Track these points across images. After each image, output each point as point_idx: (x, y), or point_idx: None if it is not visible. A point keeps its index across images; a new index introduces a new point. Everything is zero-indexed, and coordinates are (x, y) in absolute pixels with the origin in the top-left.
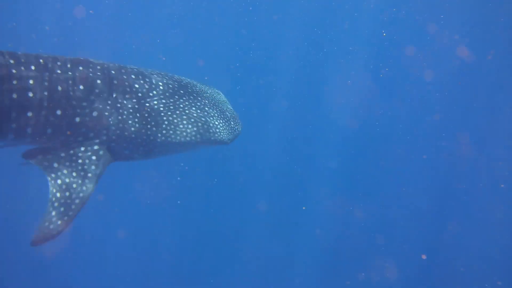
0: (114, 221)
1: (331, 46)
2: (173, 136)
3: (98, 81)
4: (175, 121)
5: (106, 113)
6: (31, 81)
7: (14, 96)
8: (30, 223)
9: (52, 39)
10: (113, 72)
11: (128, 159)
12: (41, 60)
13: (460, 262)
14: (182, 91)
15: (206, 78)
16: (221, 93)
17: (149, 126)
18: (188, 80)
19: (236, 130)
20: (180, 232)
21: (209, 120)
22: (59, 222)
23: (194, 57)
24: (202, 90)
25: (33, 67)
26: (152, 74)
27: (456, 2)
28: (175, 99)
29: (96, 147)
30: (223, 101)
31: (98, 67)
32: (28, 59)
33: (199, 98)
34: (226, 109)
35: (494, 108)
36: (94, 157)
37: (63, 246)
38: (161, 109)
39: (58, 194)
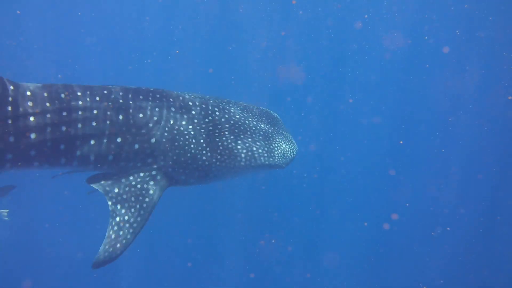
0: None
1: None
2: (227, 161)
3: (157, 109)
4: (230, 146)
5: (164, 140)
6: (95, 111)
7: (79, 126)
8: None
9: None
10: (171, 100)
11: (184, 184)
12: (105, 91)
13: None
14: (237, 116)
15: (263, 102)
16: (276, 115)
17: (204, 152)
18: (244, 104)
19: (291, 153)
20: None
21: (263, 144)
22: (118, 245)
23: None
24: (257, 113)
25: (98, 98)
26: (209, 100)
27: None
28: (231, 124)
29: (154, 172)
30: (278, 123)
31: (157, 95)
32: (93, 90)
33: (254, 123)
34: (281, 132)
35: None
36: (152, 182)
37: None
38: (216, 134)
39: (117, 219)
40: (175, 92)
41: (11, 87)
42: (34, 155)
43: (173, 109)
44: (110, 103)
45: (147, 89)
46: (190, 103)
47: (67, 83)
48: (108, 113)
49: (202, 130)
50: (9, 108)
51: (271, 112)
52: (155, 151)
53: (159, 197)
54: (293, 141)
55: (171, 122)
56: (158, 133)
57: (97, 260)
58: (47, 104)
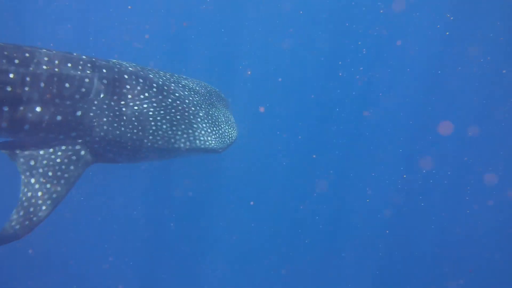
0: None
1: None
2: (160, 142)
3: (86, 80)
4: (164, 127)
5: (91, 114)
6: (11, 75)
7: None
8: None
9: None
10: (104, 70)
11: (111, 162)
12: (26, 54)
13: None
14: (176, 94)
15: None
16: (220, 93)
17: (135, 131)
18: (188, 79)
19: (230, 138)
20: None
21: (200, 127)
22: (27, 222)
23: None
24: (198, 90)
25: (17, 61)
26: (149, 73)
27: None
28: (168, 103)
29: (77, 147)
30: (222, 104)
31: (89, 65)
32: (15, 51)
33: (194, 102)
34: (223, 114)
35: None
36: (74, 157)
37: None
38: (150, 113)
39: (29, 194)
40: (111, 62)
41: None
42: None
43: (105, 82)
44: (31, 68)
45: (78, 56)
46: (126, 76)
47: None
48: (27, 78)
49: (135, 108)
50: None
51: (217, 90)
52: (80, 125)
53: (80, 174)
54: (234, 125)
55: (101, 95)
56: (85, 106)
57: (1, 235)
58: None
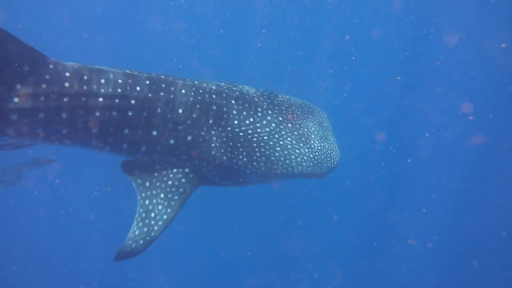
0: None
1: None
2: (263, 168)
3: (197, 106)
4: (267, 152)
5: (200, 139)
6: (132, 101)
7: (114, 113)
8: None
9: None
10: (213, 96)
11: (217, 185)
12: (147, 82)
13: None
14: (280, 118)
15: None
16: (324, 114)
17: (241, 156)
18: (290, 100)
19: (332, 163)
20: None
21: (303, 152)
22: (141, 241)
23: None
24: (301, 112)
25: (138, 88)
26: (253, 96)
27: None
28: (271, 128)
29: (187, 170)
30: (323, 125)
31: (200, 91)
32: (135, 79)
33: (297, 126)
34: (325, 137)
35: None
36: (184, 180)
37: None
38: (255, 139)
39: (144, 214)
40: (219, 86)
41: (51, 66)
42: (65, 133)
43: (214, 107)
44: (150, 95)
45: (191, 83)
46: (233, 102)
47: (111, 67)
48: (146, 104)
49: (241, 133)
50: (44, 86)
51: (318, 109)
52: (191, 149)
53: (188, 196)
54: (337, 148)
55: (210, 121)
56: (196, 131)
57: (119, 253)
58: (84, 88)
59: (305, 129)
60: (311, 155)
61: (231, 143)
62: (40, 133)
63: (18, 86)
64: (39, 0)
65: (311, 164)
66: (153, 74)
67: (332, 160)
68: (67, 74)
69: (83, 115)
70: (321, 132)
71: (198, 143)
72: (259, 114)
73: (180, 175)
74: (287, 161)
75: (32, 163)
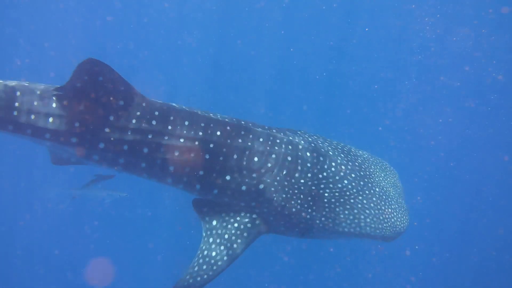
0: None
1: None
2: (331, 225)
3: (273, 156)
4: (337, 209)
5: (272, 189)
6: (211, 145)
7: (192, 155)
8: None
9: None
10: (290, 147)
11: (282, 234)
12: (228, 128)
13: None
14: (353, 175)
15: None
16: (396, 174)
17: (309, 210)
18: (364, 156)
19: (401, 228)
20: None
21: (372, 213)
22: (198, 278)
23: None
24: (376, 172)
25: (218, 133)
26: (328, 150)
27: None
28: (343, 184)
29: (254, 216)
30: (395, 186)
31: (277, 141)
32: (216, 124)
33: (369, 185)
34: (396, 199)
35: None
36: (249, 225)
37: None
38: (326, 194)
39: (205, 252)
40: (295, 138)
41: (144, 104)
42: (144, 167)
43: (289, 159)
44: (228, 140)
45: (268, 131)
46: (308, 154)
47: (198, 112)
48: (224, 150)
49: (313, 187)
50: (133, 121)
51: (390, 168)
52: (261, 197)
53: (251, 242)
54: (406, 212)
55: (284, 172)
56: (268, 180)
57: (176, 285)
58: (169, 128)
59: (377, 189)
60: (381, 217)
61: (302, 196)
62: (121, 163)
63: (111, 118)
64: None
65: (379, 226)
66: (234, 120)
67: (401, 225)
68: (156, 113)
69: (163, 152)
70: (392, 193)
71: (269, 192)
72: (333, 169)
73: (246, 220)
74: (356, 221)
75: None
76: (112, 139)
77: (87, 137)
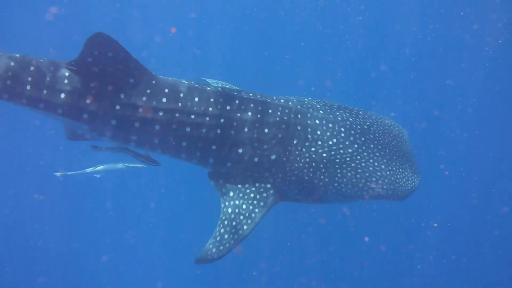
0: None
1: None
2: (344, 189)
3: (283, 126)
4: (349, 174)
5: (284, 158)
6: (222, 120)
7: (204, 130)
8: None
9: None
10: (299, 116)
11: (296, 202)
12: (237, 101)
13: None
14: (363, 138)
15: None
16: (405, 132)
17: (322, 177)
18: (372, 117)
19: (413, 186)
20: None
21: (385, 174)
22: (221, 248)
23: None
24: (385, 133)
25: (228, 107)
26: (337, 116)
27: None
28: (354, 149)
29: (268, 186)
30: (404, 145)
31: (286, 111)
32: (226, 98)
33: (379, 147)
34: (407, 157)
35: None
36: (265, 194)
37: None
38: (337, 160)
39: (225, 222)
40: (304, 106)
41: (153, 82)
42: (157, 143)
43: (298, 128)
44: (238, 114)
45: (277, 102)
46: (317, 122)
47: (207, 87)
48: (234, 123)
49: (324, 154)
50: (144, 99)
51: (399, 127)
52: (273, 168)
53: (268, 210)
54: (417, 170)
55: (295, 141)
56: (280, 150)
57: (200, 256)
58: (179, 104)
59: (387, 150)
60: (392, 178)
61: (313, 164)
62: (133, 139)
63: (122, 96)
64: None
65: (391, 187)
66: (243, 93)
67: (413, 184)
68: (166, 90)
69: (175, 129)
70: (403, 153)
71: (281, 162)
72: (342, 135)
73: (262, 190)
74: (368, 183)
75: (139, 155)
76: (123, 116)
77: (99, 114)
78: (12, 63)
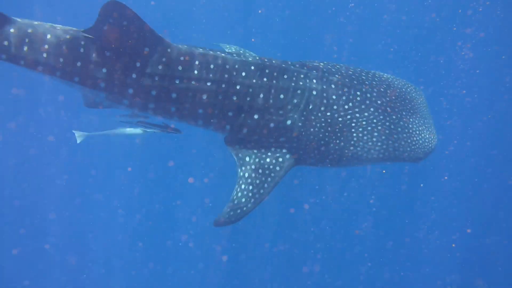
0: None
1: None
2: (360, 153)
3: (298, 91)
4: (365, 137)
5: (300, 124)
6: (238, 87)
7: (220, 97)
8: None
9: None
10: (314, 81)
11: (312, 166)
12: (252, 67)
13: None
14: (379, 101)
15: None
16: (421, 93)
17: (338, 141)
18: (388, 80)
19: (430, 148)
20: None
21: (401, 137)
22: (239, 211)
23: None
24: (401, 95)
25: (243, 74)
26: (353, 79)
27: None
28: (370, 112)
29: (284, 151)
30: (420, 106)
31: (302, 76)
32: (242, 65)
33: (396, 110)
34: (422, 120)
35: None
36: (281, 159)
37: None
38: (353, 124)
39: (243, 186)
40: (320, 71)
41: (169, 50)
42: (173, 111)
43: (314, 93)
44: (254, 80)
45: (292, 67)
46: (333, 86)
47: (222, 54)
48: (250, 90)
49: (340, 119)
50: (160, 67)
51: (416, 88)
52: (289, 133)
53: (284, 175)
54: (434, 131)
55: (310, 107)
56: (296, 116)
57: (218, 219)
58: (195, 72)
59: (403, 113)
60: (409, 140)
61: (329, 128)
62: (151, 107)
63: (138, 64)
64: None
65: (408, 149)
66: (257, 58)
67: (430, 145)
68: (182, 58)
69: (192, 96)
70: (419, 114)
71: (297, 127)
72: (358, 98)
73: (278, 154)
74: (384, 146)
75: (157, 126)
76: (139, 85)
77: (115, 82)
78: (29, 30)
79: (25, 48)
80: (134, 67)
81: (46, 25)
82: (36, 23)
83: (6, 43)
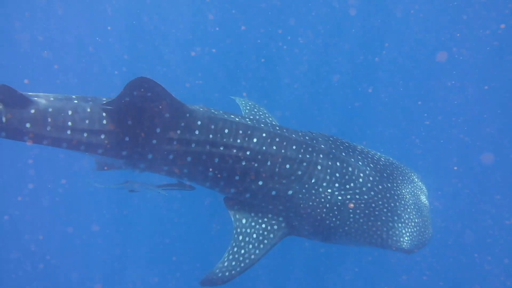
0: None
1: None
2: (353, 235)
3: (304, 164)
4: (361, 220)
5: (300, 195)
6: (248, 152)
7: (230, 161)
8: None
9: None
10: (320, 156)
11: (305, 237)
12: (264, 135)
13: None
14: (380, 187)
15: None
16: (423, 186)
17: (334, 219)
18: (393, 165)
19: (423, 242)
20: None
21: (395, 226)
22: (227, 273)
23: None
24: (402, 183)
25: (255, 140)
26: (358, 161)
27: None
28: (370, 196)
29: (281, 219)
30: (420, 197)
31: (309, 149)
32: (254, 131)
33: (395, 197)
34: (421, 213)
35: None
36: (276, 227)
37: None
38: (351, 205)
39: (235, 249)
40: (327, 146)
41: (187, 115)
42: (186, 173)
43: (318, 168)
44: (264, 148)
45: (302, 139)
46: (338, 164)
47: (236, 118)
48: (259, 157)
49: (339, 197)
50: (178, 132)
51: (417, 176)
52: (288, 203)
53: (276, 243)
54: (430, 225)
55: (313, 180)
56: (297, 187)
57: (205, 278)
58: (210, 136)
59: (402, 201)
60: (403, 231)
61: (328, 205)
62: (165, 170)
63: (158, 130)
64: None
65: (401, 240)
66: (269, 125)
67: (423, 239)
68: (199, 122)
69: (204, 160)
70: (418, 206)
71: (297, 198)
72: (360, 180)
73: (273, 222)
74: (378, 232)
75: (174, 185)
76: (159, 150)
77: (137, 149)
78: (50, 109)
79: (48, 128)
80: (154, 133)
81: (62, 100)
82: (52, 98)
83: (28, 125)
